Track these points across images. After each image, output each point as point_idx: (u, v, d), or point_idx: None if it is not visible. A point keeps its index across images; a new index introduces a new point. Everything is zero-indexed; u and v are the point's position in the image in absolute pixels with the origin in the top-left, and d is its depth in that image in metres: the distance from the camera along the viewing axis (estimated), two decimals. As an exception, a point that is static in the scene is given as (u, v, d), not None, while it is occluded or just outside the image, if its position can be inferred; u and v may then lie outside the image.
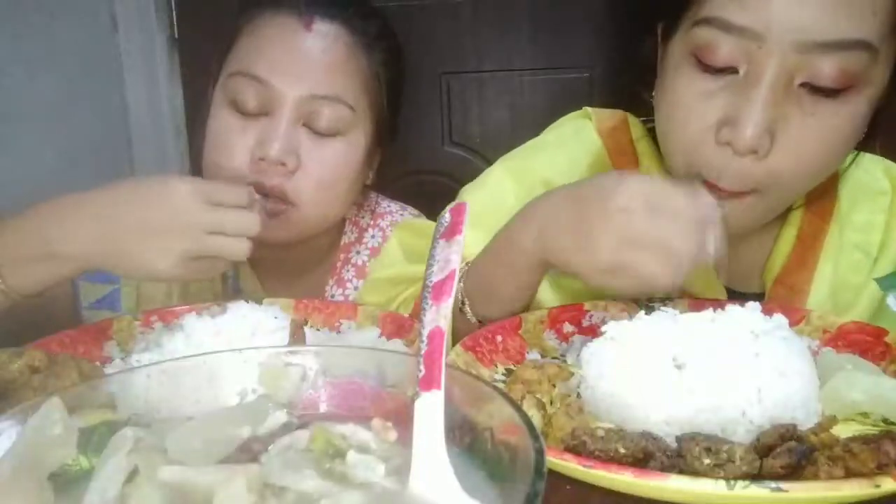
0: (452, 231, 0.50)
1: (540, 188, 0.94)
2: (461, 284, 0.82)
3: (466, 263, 0.85)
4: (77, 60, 1.85)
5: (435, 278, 0.47)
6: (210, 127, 1.08)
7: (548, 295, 0.92)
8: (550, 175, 0.98)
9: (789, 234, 0.93)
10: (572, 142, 1.02)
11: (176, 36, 1.99)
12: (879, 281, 0.74)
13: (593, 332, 0.72)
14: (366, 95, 1.10)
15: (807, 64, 0.74)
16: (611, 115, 1.02)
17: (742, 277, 0.95)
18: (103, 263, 0.81)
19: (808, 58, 0.73)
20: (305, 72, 1.04)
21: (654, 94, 0.87)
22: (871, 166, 0.97)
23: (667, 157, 0.87)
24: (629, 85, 0.95)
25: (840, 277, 0.92)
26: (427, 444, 0.40)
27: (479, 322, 0.81)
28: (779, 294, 0.92)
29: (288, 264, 1.18)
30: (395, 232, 1.06)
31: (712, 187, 0.78)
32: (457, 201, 1.00)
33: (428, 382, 0.42)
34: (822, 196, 0.93)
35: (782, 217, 0.94)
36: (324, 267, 1.23)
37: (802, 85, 0.75)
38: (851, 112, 0.76)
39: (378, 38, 1.12)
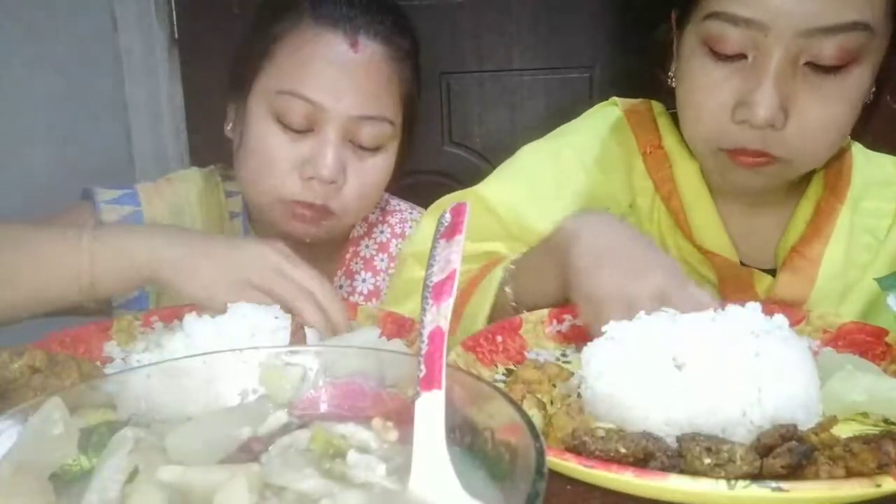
0: (453, 231, 0.50)
1: (574, 166, 1.02)
2: (509, 287, 0.87)
3: (512, 262, 0.89)
4: (77, 60, 1.85)
5: (435, 278, 0.47)
6: (251, 140, 1.09)
7: None
8: (581, 153, 1.04)
9: (806, 208, 0.99)
10: (598, 121, 1.08)
11: (176, 36, 1.98)
12: (880, 281, 0.74)
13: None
14: (402, 108, 1.13)
15: (809, 46, 0.80)
16: (635, 101, 1.09)
17: (755, 251, 0.99)
18: (170, 278, 0.82)
19: (810, 41, 0.79)
20: (354, 93, 1.06)
21: (670, 74, 0.94)
22: (882, 162, 1.03)
23: (687, 135, 0.94)
24: (640, 68, 1.03)
25: (850, 255, 0.97)
26: (427, 444, 0.40)
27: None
28: (793, 262, 0.95)
29: (298, 253, 1.19)
30: (428, 215, 1.09)
31: (734, 155, 0.86)
32: (486, 181, 1.06)
33: (428, 382, 0.42)
34: (837, 178, 0.99)
35: (800, 193, 0.99)
36: (333, 258, 1.25)
37: (807, 64, 0.81)
38: (855, 82, 0.83)
39: (410, 51, 1.14)
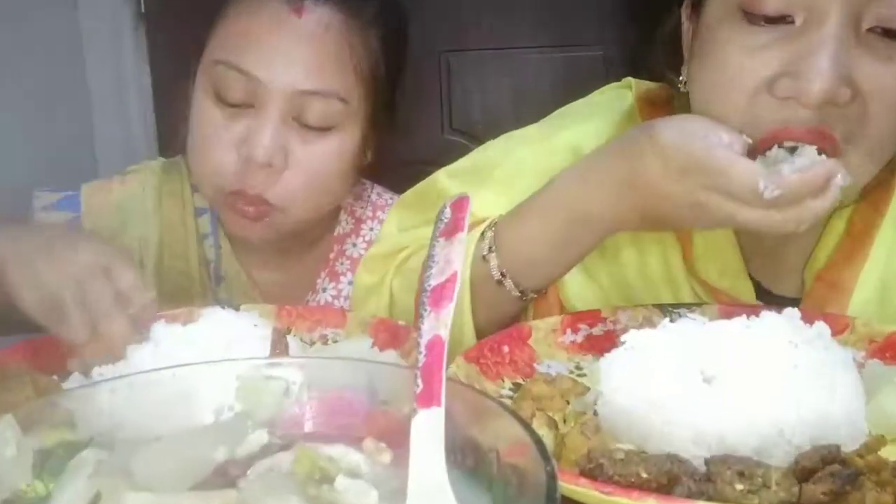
0: (454, 228, 0.50)
1: (564, 152, 0.97)
2: (493, 254, 0.83)
3: (491, 226, 0.86)
4: (35, 39, 1.84)
5: (434, 281, 0.47)
6: (192, 118, 1.09)
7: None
8: (577, 140, 0.99)
9: (837, 227, 0.92)
10: (605, 107, 1.03)
11: (142, 10, 1.98)
12: None
13: (612, 341, 0.72)
14: (361, 84, 1.10)
15: (874, 5, 0.73)
16: (654, 85, 1.03)
17: (778, 276, 0.94)
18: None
19: None
20: (294, 65, 1.04)
21: (682, 78, 0.88)
22: None
23: None
24: (648, 62, 0.98)
25: (891, 276, 0.91)
26: (425, 466, 0.40)
27: (521, 294, 0.83)
28: (819, 292, 0.91)
29: (273, 251, 1.19)
30: (391, 212, 1.06)
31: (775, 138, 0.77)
32: (473, 153, 1.04)
33: (426, 398, 0.42)
34: (876, 186, 0.91)
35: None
36: (315, 256, 1.24)
37: (871, 30, 0.74)
38: None
39: (377, 18, 1.12)
